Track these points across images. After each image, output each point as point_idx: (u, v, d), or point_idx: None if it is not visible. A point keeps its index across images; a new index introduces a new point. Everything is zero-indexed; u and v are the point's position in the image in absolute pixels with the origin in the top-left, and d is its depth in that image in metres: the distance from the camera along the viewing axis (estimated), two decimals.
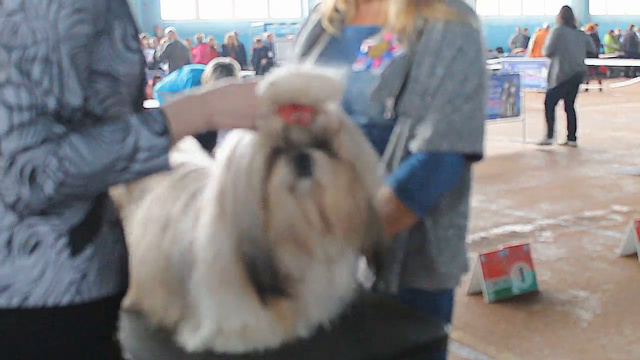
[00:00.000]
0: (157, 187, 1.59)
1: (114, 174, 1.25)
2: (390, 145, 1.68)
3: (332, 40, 1.83)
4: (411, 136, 1.66)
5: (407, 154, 1.66)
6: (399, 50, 1.69)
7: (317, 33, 1.86)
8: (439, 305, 1.79)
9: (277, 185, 1.32)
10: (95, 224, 1.33)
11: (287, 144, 1.33)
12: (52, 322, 1.29)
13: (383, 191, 1.61)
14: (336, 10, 1.83)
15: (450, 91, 1.64)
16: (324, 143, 1.34)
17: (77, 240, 1.30)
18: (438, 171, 1.65)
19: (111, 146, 1.24)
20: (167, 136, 1.28)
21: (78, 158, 1.21)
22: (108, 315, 1.37)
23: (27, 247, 1.27)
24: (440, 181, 1.67)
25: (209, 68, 5.51)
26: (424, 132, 1.63)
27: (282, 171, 1.32)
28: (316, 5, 1.93)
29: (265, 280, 1.34)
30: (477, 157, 1.69)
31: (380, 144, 1.66)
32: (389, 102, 1.67)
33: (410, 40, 1.68)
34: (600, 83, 19.08)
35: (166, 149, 1.28)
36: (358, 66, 1.73)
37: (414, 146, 1.65)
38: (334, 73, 1.36)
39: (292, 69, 1.35)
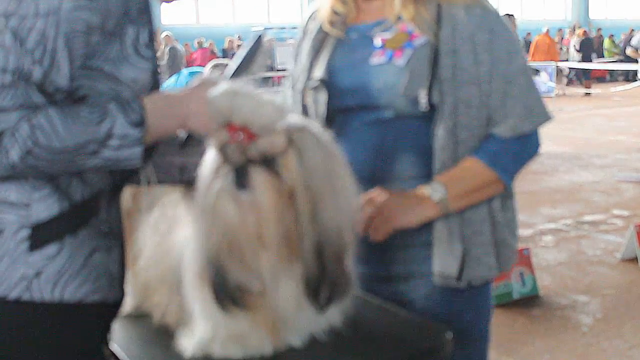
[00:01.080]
0: (169, 194, 1.59)
1: (83, 155, 1.24)
2: (444, 136, 1.66)
3: (338, 44, 1.80)
4: (485, 124, 1.68)
5: (472, 141, 1.68)
6: (420, 39, 1.68)
7: (321, 39, 1.83)
8: (484, 296, 1.80)
9: (213, 193, 1.33)
10: (69, 225, 1.31)
11: (227, 158, 1.34)
12: None
13: (468, 162, 1.67)
14: (335, 13, 1.81)
15: (504, 73, 1.68)
16: (266, 161, 1.33)
17: (40, 235, 1.28)
18: (526, 147, 1.75)
19: (86, 126, 1.23)
20: (142, 128, 1.28)
21: (51, 130, 1.21)
22: (68, 322, 1.32)
23: None
24: (528, 154, 1.77)
25: (207, 68, 5.52)
26: (506, 120, 1.68)
27: (220, 181, 1.33)
28: (311, 15, 1.91)
29: (219, 289, 1.35)
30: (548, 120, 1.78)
31: (409, 141, 1.69)
32: (422, 94, 1.66)
33: (429, 25, 1.68)
34: (589, 87, 19.09)
35: (139, 141, 1.27)
36: (377, 59, 1.71)
37: (500, 132, 1.69)
38: (271, 96, 1.37)
39: (228, 88, 1.34)
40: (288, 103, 1.87)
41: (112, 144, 1.25)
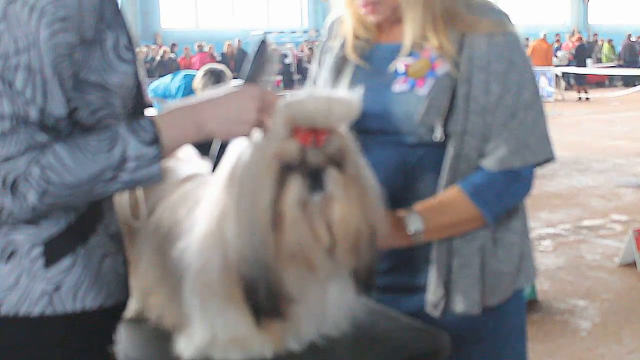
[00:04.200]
0: (170, 196, 1.58)
1: (102, 183, 1.23)
2: (446, 167, 1.64)
3: (358, 66, 1.76)
4: (480, 155, 1.64)
5: (470, 173, 1.64)
6: (442, 68, 1.65)
7: (343, 59, 1.79)
8: (505, 317, 1.76)
9: (291, 204, 1.30)
10: (78, 236, 1.31)
11: (301, 163, 1.32)
12: (22, 332, 1.28)
13: (451, 192, 1.62)
14: (357, 37, 1.77)
15: (510, 105, 1.63)
16: (335, 161, 1.34)
17: (53, 251, 1.28)
18: (514, 184, 1.67)
19: (97, 155, 1.22)
20: (157, 146, 1.26)
21: (61, 167, 1.20)
22: (86, 329, 1.34)
23: (4, 255, 1.27)
24: (517, 193, 1.69)
25: (199, 74, 5.51)
26: (496, 151, 1.63)
27: (296, 189, 1.30)
28: (330, 28, 1.87)
29: (264, 302, 1.32)
30: (547, 160, 1.71)
31: (430, 164, 1.66)
32: (438, 123, 1.63)
33: (452, 56, 1.64)
34: (586, 92, 19.11)
35: (156, 158, 1.26)
36: (400, 87, 1.68)
37: (487, 165, 1.63)
38: (351, 96, 1.36)
39: (311, 92, 1.34)
40: None
41: (129, 167, 1.24)
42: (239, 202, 1.33)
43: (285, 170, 1.32)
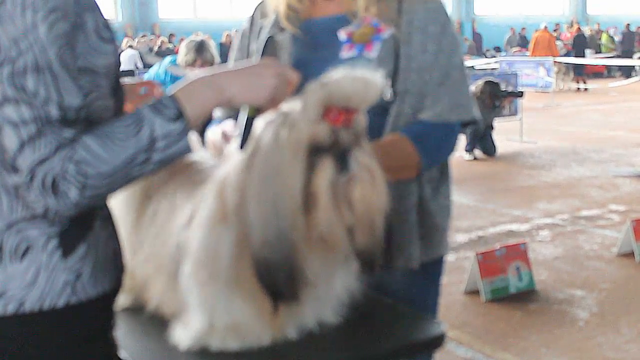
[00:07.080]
0: (166, 184, 1.58)
1: (136, 167, 1.24)
2: (389, 126, 1.72)
3: (295, 39, 1.82)
4: (417, 111, 1.73)
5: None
6: (387, 31, 1.75)
7: (276, 34, 1.82)
8: (431, 277, 1.87)
9: (325, 187, 1.31)
10: (87, 222, 1.32)
11: (332, 145, 1.32)
12: (50, 325, 1.28)
13: (394, 137, 1.70)
14: (290, 8, 1.84)
15: (445, 65, 1.74)
16: (358, 141, 1.36)
17: (68, 240, 1.29)
18: (449, 138, 1.79)
19: (126, 141, 1.23)
20: (182, 120, 1.27)
21: (94, 159, 1.21)
22: (103, 312, 1.36)
23: (18, 253, 1.27)
24: (450, 146, 1.81)
25: (182, 46, 5.53)
26: (434, 106, 1.73)
27: (328, 171, 1.31)
28: (257, 8, 1.93)
29: (283, 286, 1.32)
30: (473, 120, 1.81)
31: (379, 126, 1.70)
32: (388, 84, 1.70)
33: (393, 20, 1.75)
34: (584, 82, 19.06)
35: (183, 133, 1.27)
36: (347, 53, 1.75)
37: (426, 117, 1.73)
38: (377, 76, 1.37)
39: (345, 73, 1.35)
40: None
41: (159, 146, 1.25)
42: (262, 185, 1.33)
43: (315, 152, 1.32)
